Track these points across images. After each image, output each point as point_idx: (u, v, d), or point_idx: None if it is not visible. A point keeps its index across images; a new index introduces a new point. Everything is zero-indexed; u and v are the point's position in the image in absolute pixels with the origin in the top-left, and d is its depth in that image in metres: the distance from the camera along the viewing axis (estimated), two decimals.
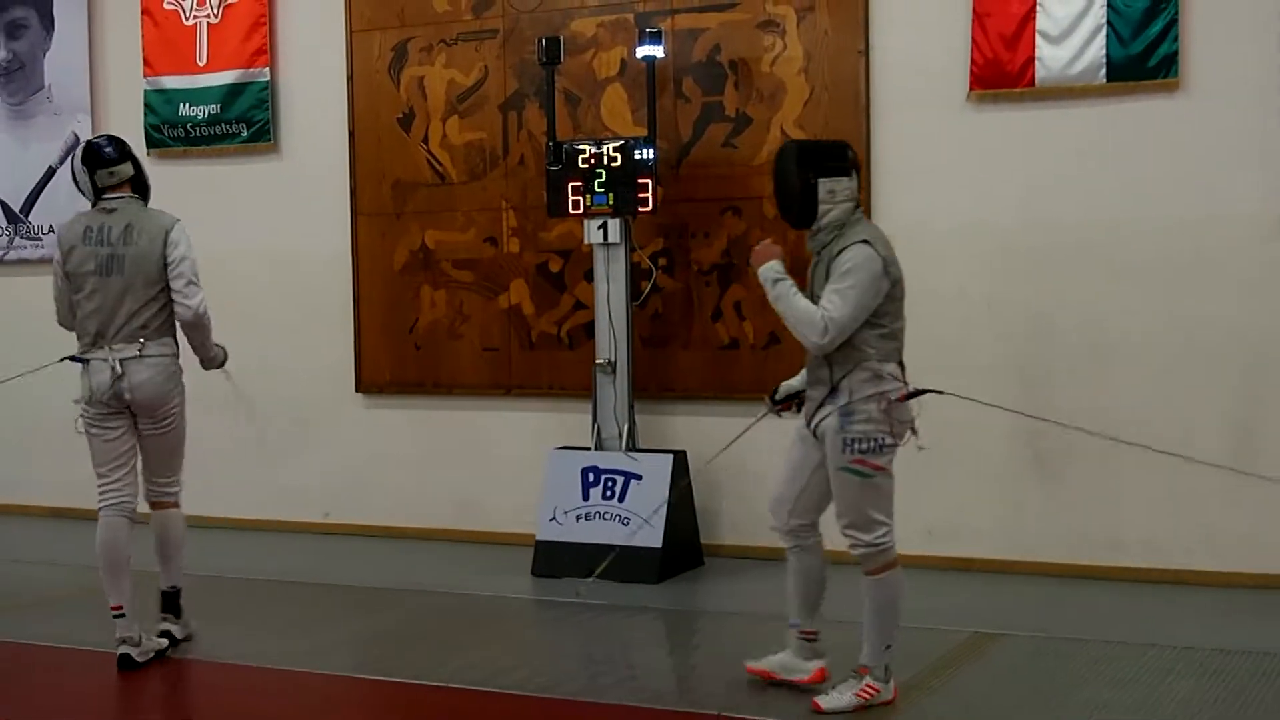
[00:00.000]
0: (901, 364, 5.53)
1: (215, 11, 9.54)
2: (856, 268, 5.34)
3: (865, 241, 5.37)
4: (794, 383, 5.87)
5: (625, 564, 7.73)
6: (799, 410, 5.80)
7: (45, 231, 10.05)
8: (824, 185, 5.43)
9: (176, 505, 6.65)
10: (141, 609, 6.50)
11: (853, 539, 5.50)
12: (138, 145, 9.77)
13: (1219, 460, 7.27)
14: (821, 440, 5.53)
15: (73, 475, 9.80)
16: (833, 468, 5.48)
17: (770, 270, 5.51)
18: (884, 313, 5.41)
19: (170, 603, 6.65)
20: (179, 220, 6.52)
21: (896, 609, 5.50)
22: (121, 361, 6.35)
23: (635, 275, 8.23)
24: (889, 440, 5.42)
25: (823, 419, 5.49)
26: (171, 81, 9.72)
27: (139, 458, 6.55)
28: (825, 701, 5.49)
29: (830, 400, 5.45)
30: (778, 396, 5.95)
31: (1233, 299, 7.39)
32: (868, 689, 5.48)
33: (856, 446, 5.39)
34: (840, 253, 5.38)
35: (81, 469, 6.71)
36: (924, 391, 5.53)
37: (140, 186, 6.60)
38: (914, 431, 5.54)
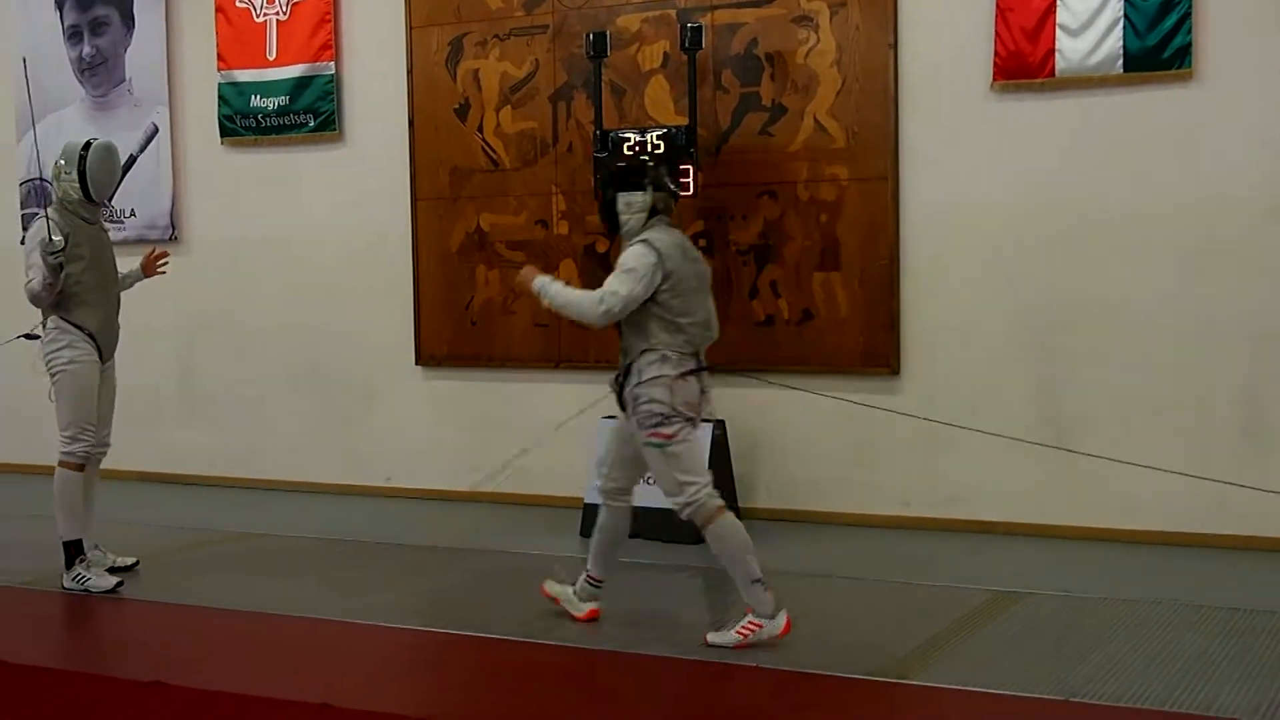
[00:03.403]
0: (695, 354, 5.83)
1: (284, 9, 9.55)
2: (630, 258, 5.75)
3: (644, 241, 5.77)
4: None
5: (667, 525, 7.74)
6: None
7: (127, 215, 10.09)
8: (621, 199, 5.87)
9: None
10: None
11: (674, 504, 5.79)
12: (212, 135, 9.90)
13: (1234, 432, 7.25)
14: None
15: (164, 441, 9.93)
16: (640, 446, 5.82)
17: (538, 281, 5.91)
18: (667, 306, 5.75)
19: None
20: None
21: (738, 551, 5.69)
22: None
23: None
24: (674, 413, 5.70)
25: (625, 399, 5.87)
26: (243, 75, 9.74)
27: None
28: (713, 637, 5.74)
29: (627, 382, 5.82)
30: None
31: (1243, 279, 7.30)
32: (749, 626, 5.69)
33: (647, 422, 5.72)
34: (624, 250, 5.84)
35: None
36: (705, 369, 5.86)
37: None
38: (695, 417, 5.81)
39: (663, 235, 5.81)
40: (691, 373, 5.78)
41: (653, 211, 5.87)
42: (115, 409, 7.15)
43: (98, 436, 7.00)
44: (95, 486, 7.13)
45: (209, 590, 6.90)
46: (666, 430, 5.70)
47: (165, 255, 7.37)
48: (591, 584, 6.15)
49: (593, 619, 6.11)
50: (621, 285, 5.70)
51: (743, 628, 5.69)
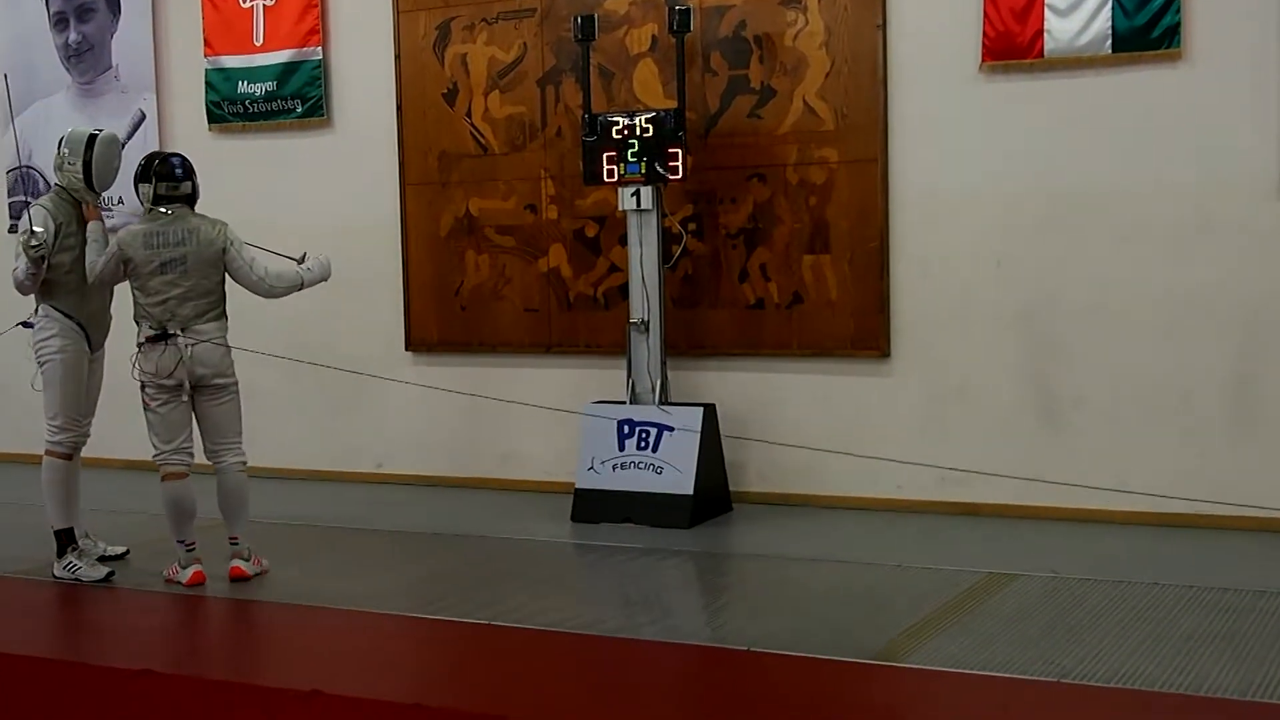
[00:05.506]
0: (161, 326, 6.63)
1: None
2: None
3: (120, 233, 6.83)
4: None
5: (659, 510, 7.74)
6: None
7: (115, 202, 10.02)
8: (139, 189, 6.83)
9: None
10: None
11: None
12: (199, 121, 9.85)
13: (1225, 412, 7.24)
14: None
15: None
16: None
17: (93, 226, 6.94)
18: (136, 286, 6.71)
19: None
20: None
21: (171, 513, 6.75)
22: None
23: (666, 239, 8.15)
24: (149, 383, 6.67)
25: None
26: (230, 61, 9.68)
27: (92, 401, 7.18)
28: (166, 571, 6.86)
29: None
30: None
31: (1232, 260, 7.27)
32: (173, 569, 6.82)
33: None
34: None
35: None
36: (165, 336, 6.63)
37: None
38: (171, 383, 6.65)
39: (140, 225, 6.78)
40: (159, 341, 6.62)
41: (158, 200, 6.75)
42: (102, 397, 7.13)
43: (83, 426, 6.98)
44: (78, 475, 7.11)
45: None
46: (144, 397, 6.70)
47: None
48: (233, 543, 6.93)
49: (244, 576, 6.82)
50: (91, 263, 6.80)
51: (169, 569, 6.81)
